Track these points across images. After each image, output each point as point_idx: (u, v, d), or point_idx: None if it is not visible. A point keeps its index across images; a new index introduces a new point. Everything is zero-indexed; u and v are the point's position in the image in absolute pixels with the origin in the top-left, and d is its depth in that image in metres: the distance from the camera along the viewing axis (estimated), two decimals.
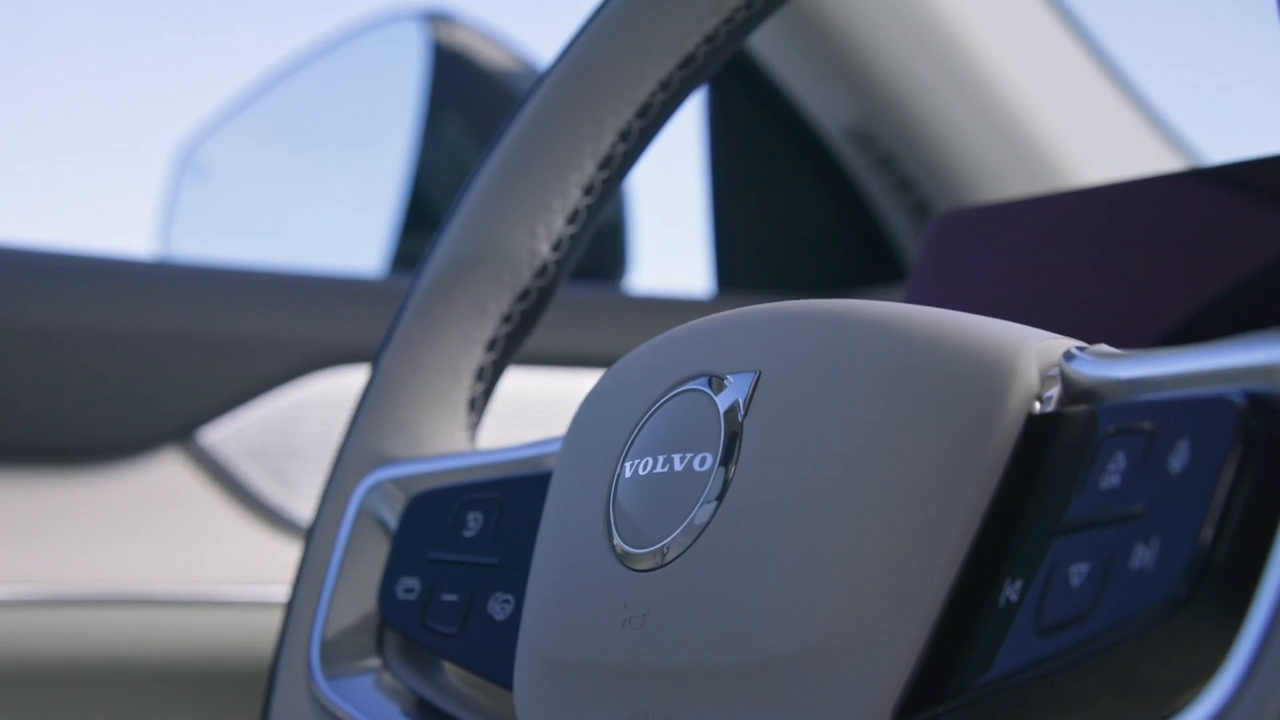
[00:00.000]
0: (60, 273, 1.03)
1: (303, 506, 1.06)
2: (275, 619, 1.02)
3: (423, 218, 1.63)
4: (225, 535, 1.05)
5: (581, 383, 1.13)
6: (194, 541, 1.04)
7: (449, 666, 0.57)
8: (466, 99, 1.61)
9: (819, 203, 1.29)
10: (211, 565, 1.04)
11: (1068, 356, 0.38)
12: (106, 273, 1.05)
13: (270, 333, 1.06)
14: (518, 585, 0.53)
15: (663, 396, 0.45)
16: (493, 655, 0.53)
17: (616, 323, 1.17)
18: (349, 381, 1.08)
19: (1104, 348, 0.38)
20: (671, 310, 1.20)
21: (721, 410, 0.43)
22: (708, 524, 0.41)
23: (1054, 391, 0.38)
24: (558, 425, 1.10)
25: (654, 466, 0.44)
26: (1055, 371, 0.38)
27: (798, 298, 1.20)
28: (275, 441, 1.06)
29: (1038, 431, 0.37)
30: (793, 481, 0.39)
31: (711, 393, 0.43)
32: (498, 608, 0.53)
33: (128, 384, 1.03)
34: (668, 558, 0.42)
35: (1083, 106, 1.19)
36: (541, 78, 0.62)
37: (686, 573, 0.41)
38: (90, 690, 1.04)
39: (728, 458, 0.42)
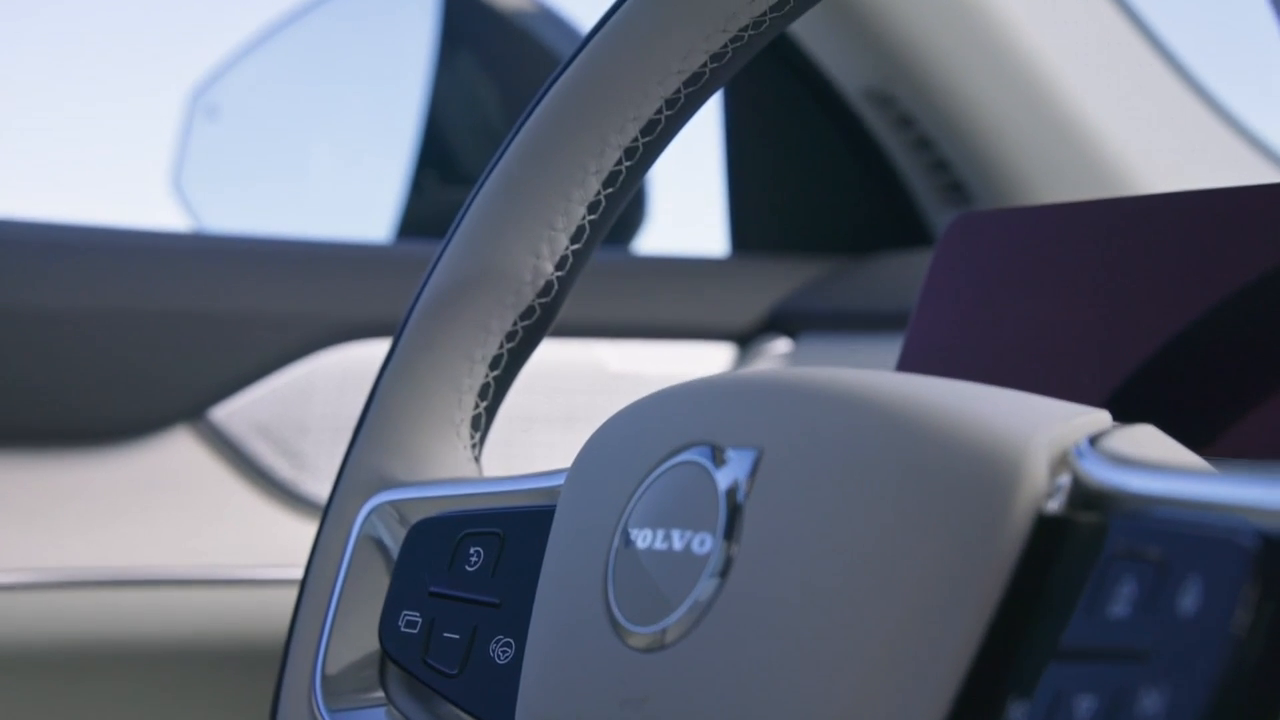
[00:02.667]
0: (65, 250, 1.02)
1: (314, 483, 1.06)
2: (287, 597, 1.02)
3: (435, 157, 1.62)
4: (237, 514, 1.04)
5: (591, 352, 1.13)
6: (206, 520, 1.04)
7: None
8: (479, 38, 1.59)
9: (838, 164, 1.27)
10: (224, 544, 1.04)
11: (1080, 453, 0.37)
12: (111, 248, 1.04)
13: (280, 309, 1.06)
14: (518, 629, 0.52)
15: (662, 462, 0.44)
16: (493, 700, 0.52)
17: (629, 287, 1.15)
18: (358, 356, 1.07)
19: (1119, 440, 0.37)
20: (687, 272, 1.18)
21: (722, 489, 0.42)
22: (707, 611, 0.40)
23: (1064, 480, 0.37)
24: (567, 397, 1.10)
25: (653, 540, 0.43)
26: (1065, 478, 0.36)
27: (816, 260, 1.19)
28: (286, 419, 1.05)
29: (1045, 534, 0.36)
30: (792, 576, 0.38)
31: (712, 467, 0.42)
32: (499, 651, 0.53)
33: (137, 363, 1.02)
34: (668, 640, 0.41)
35: (1112, 69, 1.17)
36: (543, 93, 0.60)
37: (687, 659, 0.40)
38: (104, 671, 1.05)
39: (728, 540, 0.41)
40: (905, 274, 1.12)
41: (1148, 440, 0.39)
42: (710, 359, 1.16)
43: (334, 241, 1.12)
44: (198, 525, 1.03)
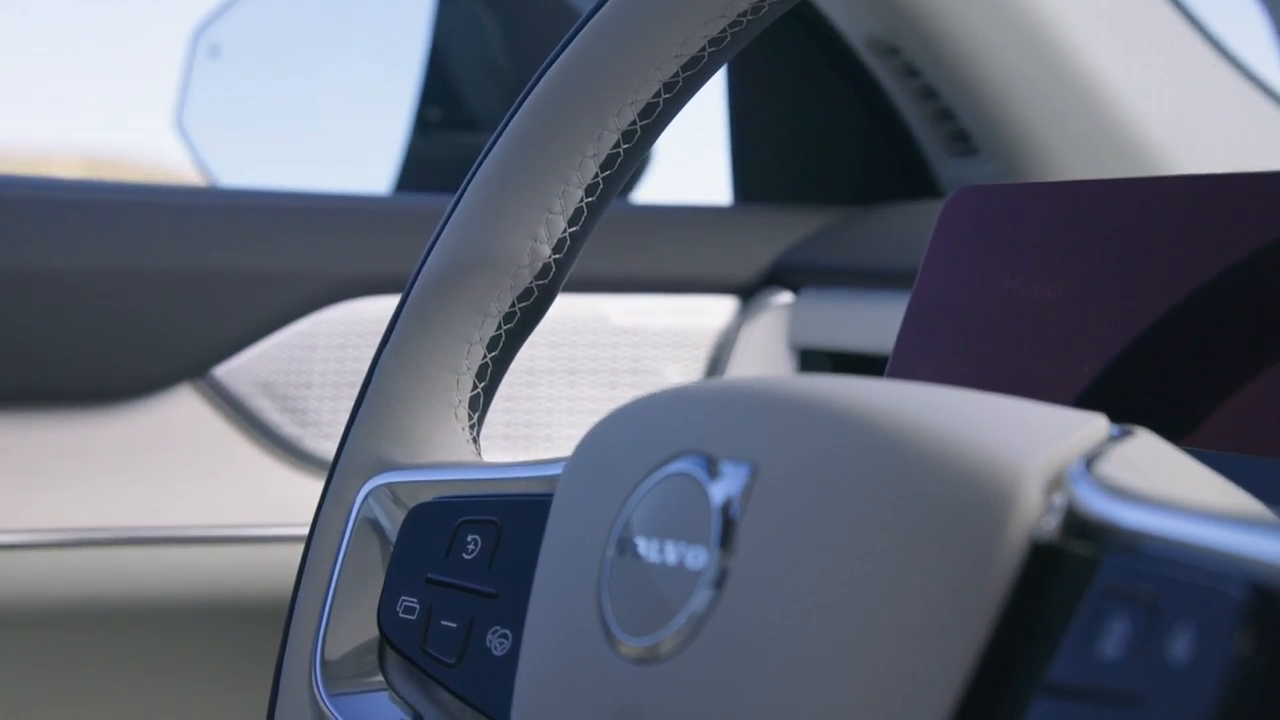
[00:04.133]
0: (67, 209, 1.02)
1: (317, 440, 1.06)
2: (291, 553, 1.02)
3: (440, 96, 1.61)
4: (241, 470, 1.05)
5: (593, 305, 1.13)
6: (210, 477, 1.04)
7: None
8: None
9: (843, 113, 1.26)
10: (228, 500, 1.04)
11: (1074, 477, 0.37)
12: (113, 207, 1.03)
13: (282, 266, 1.05)
14: (515, 620, 0.53)
15: (656, 469, 0.44)
16: (490, 691, 0.53)
17: (631, 239, 1.15)
18: (359, 313, 1.07)
19: (1114, 462, 0.37)
20: (689, 224, 1.18)
21: (716, 503, 0.42)
22: (701, 626, 0.40)
23: (1059, 502, 0.37)
24: (569, 350, 1.10)
25: (646, 550, 0.43)
26: (1059, 499, 0.36)
27: (820, 211, 1.18)
28: (288, 375, 1.06)
29: (1037, 563, 0.36)
30: (785, 598, 0.39)
31: (706, 478, 0.42)
32: (496, 642, 0.53)
33: (140, 322, 1.02)
34: (661, 652, 0.41)
35: (1119, 19, 1.15)
36: (539, 76, 0.60)
37: (681, 672, 0.41)
38: (109, 628, 1.05)
39: (722, 554, 0.41)
40: (908, 227, 1.11)
41: (1144, 457, 0.38)
42: (712, 311, 1.15)
43: (335, 195, 1.12)
44: (202, 482, 1.04)
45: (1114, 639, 0.33)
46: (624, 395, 1.14)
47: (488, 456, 1.15)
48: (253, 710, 1.03)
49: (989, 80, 1.15)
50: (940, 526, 0.37)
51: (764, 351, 1.13)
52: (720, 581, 0.41)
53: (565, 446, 1.12)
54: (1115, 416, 0.63)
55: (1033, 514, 0.36)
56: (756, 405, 0.43)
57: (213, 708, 1.10)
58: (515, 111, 0.61)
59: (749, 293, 1.16)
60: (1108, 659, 0.32)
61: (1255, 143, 1.16)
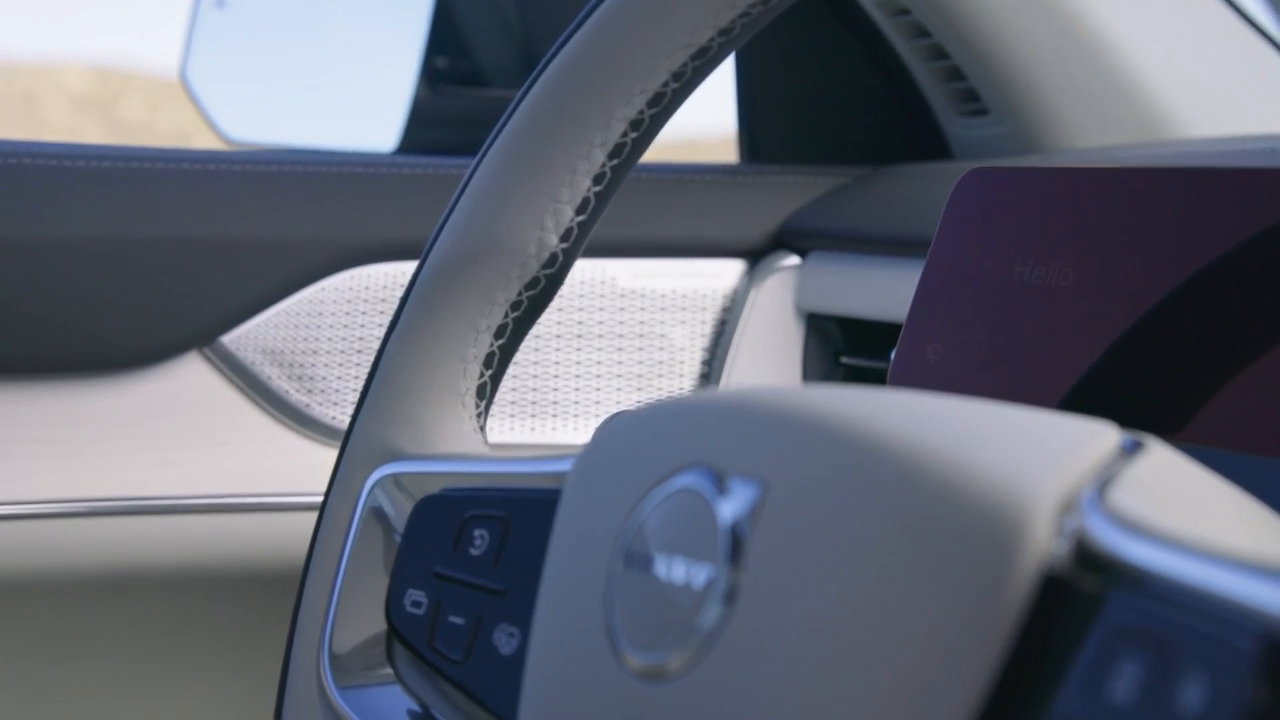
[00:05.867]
0: (73, 177, 1.02)
1: (325, 407, 1.06)
2: (300, 520, 1.03)
3: (449, 48, 1.60)
4: (250, 438, 1.05)
5: (600, 269, 1.12)
6: (219, 445, 1.04)
7: None
8: None
9: (852, 71, 1.26)
10: (237, 468, 1.04)
11: (1086, 507, 0.36)
12: (119, 176, 1.03)
13: (289, 234, 1.05)
14: (523, 618, 0.53)
15: (663, 481, 0.44)
16: (498, 689, 0.53)
17: (638, 201, 1.14)
18: (367, 280, 1.07)
19: (1126, 489, 0.37)
20: (696, 185, 1.17)
21: (724, 521, 0.41)
22: (708, 647, 0.40)
23: (1070, 528, 0.36)
24: (576, 314, 1.10)
25: (653, 565, 0.43)
26: (1071, 524, 0.36)
27: (828, 172, 1.17)
28: (296, 343, 1.05)
29: (1047, 595, 0.35)
30: (793, 622, 0.39)
31: (714, 494, 0.42)
32: (503, 640, 0.53)
33: (147, 291, 1.02)
34: (668, 671, 0.41)
35: None
36: (544, 65, 0.60)
37: (689, 692, 0.41)
38: (118, 598, 1.06)
39: (730, 572, 0.41)
40: (917, 191, 1.11)
41: (1157, 478, 0.38)
42: (720, 275, 1.15)
43: (341, 157, 1.11)
44: (209, 450, 1.04)
45: (1124, 682, 0.32)
46: (631, 359, 1.13)
47: (494, 423, 1.14)
48: (258, 677, 1.04)
49: (999, 40, 1.14)
50: (951, 555, 0.37)
51: (771, 316, 1.13)
52: (728, 600, 0.41)
53: (572, 413, 1.12)
54: (1121, 405, 0.63)
55: (1043, 545, 0.36)
56: (766, 420, 0.43)
57: (219, 675, 1.11)
58: (521, 99, 0.60)
59: (756, 256, 1.15)
60: (1117, 702, 0.32)
61: (1271, 103, 1.15)
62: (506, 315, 0.62)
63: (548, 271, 0.61)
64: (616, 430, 0.48)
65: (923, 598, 0.36)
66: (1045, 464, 0.37)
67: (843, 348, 1.12)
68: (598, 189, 0.60)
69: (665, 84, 0.58)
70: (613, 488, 0.46)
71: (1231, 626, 0.31)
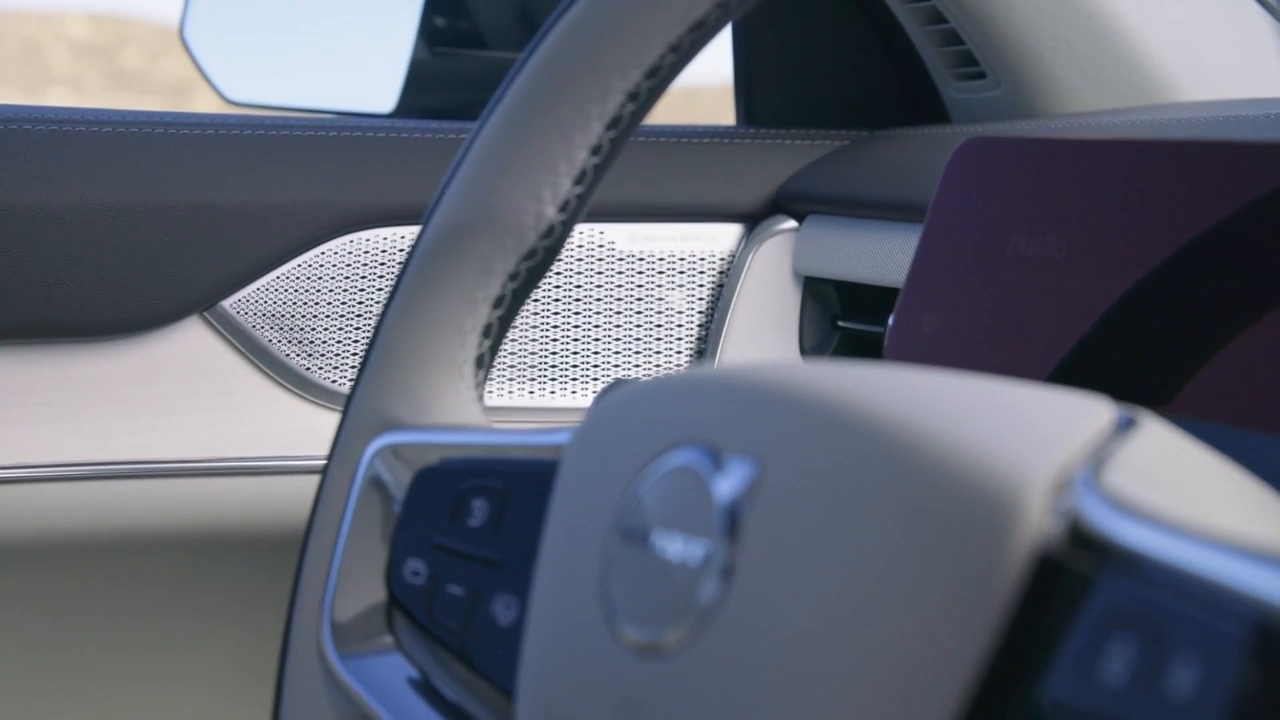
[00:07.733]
0: (71, 143, 1.02)
1: (325, 370, 1.07)
2: (301, 484, 1.03)
3: (445, 7, 1.59)
4: (251, 402, 1.06)
5: (597, 232, 1.13)
6: (220, 409, 1.05)
7: None
8: None
9: (849, 35, 1.25)
10: (238, 432, 1.05)
11: (1081, 487, 0.37)
12: (117, 142, 1.03)
13: (287, 198, 1.06)
14: (521, 589, 0.53)
15: (658, 457, 0.45)
16: (497, 659, 0.54)
17: (635, 164, 1.15)
18: (366, 244, 1.07)
19: (1122, 468, 0.37)
20: (693, 148, 1.17)
21: (720, 498, 0.42)
22: (704, 623, 0.41)
23: (1065, 505, 0.37)
24: (574, 277, 1.10)
25: (649, 541, 0.44)
26: (1065, 502, 0.36)
27: (825, 135, 1.17)
28: (297, 307, 1.06)
29: (1041, 575, 0.36)
30: (788, 601, 0.39)
31: (710, 470, 0.43)
32: (502, 611, 0.54)
33: (147, 256, 1.03)
34: (664, 646, 0.42)
35: None
36: (542, 35, 0.60)
37: (686, 669, 0.41)
38: (120, 562, 1.07)
39: (727, 549, 0.41)
40: (913, 156, 1.11)
41: (1152, 457, 0.38)
42: (717, 238, 1.15)
43: (338, 121, 1.12)
44: (211, 414, 1.05)
45: (1116, 664, 0.33)
46: (629, 323, 1.14)
47: (492, 385, 1.15)
48: (260, 639, 1.04)
49: (997, 4, 1.14)
50: (946, 533, 0.37)
51: (769, 279, 1.14)
52: (724, 576, 0.41)
53: (570, 376, 1.13)
54: (1112, 376, 0.64)
55: (1037, 524, 0.36)
56: (763, 397, 0.43)
57: (221, 637, 1.12)
58: (518, 71, 0.61)
59: (754, 220, 1.16)
60: (1108, 685, 0.33)
61: (1266, 68, 1.15)
62: (504, 286, 0.62)
63: (545, 243, 0.61)
64: (614, 404, 0.48)
65: (918, 576, 0.37)
66: (1040, 442, 0.38)
67: (840, 311, 1.12)
68: (595, 160, 0.61)
69: (662, 56, 0.59)
70: (610, 462, 0.46)
71: (1224, 611, 0.32)
